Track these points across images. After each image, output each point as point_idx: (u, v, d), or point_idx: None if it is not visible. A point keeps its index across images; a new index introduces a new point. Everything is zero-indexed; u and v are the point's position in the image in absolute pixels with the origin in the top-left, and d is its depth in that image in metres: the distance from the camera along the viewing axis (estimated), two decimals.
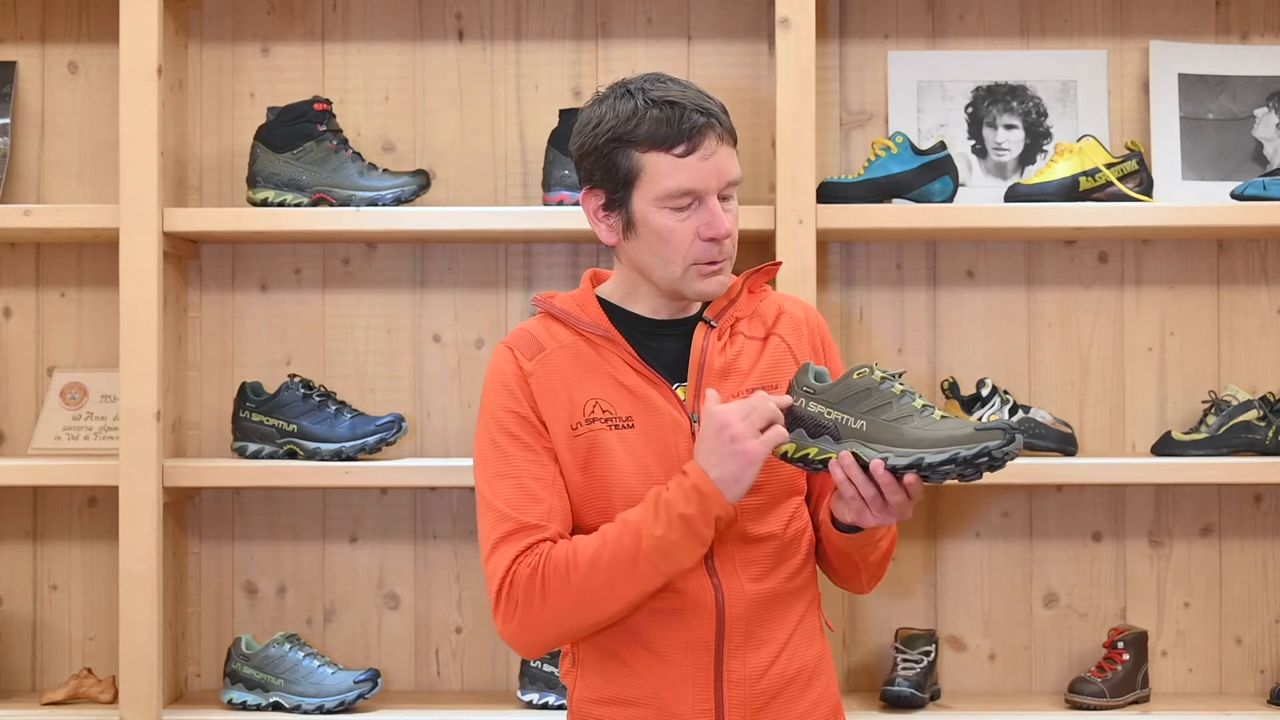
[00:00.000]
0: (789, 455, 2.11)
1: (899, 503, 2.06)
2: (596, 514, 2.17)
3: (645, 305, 2.25)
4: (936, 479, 2.03)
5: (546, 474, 2.17)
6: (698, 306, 2.26)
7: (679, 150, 2.14)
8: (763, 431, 2.06)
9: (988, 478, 3.09)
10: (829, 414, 2.09)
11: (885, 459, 2.04)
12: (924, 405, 2.06)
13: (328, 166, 3.23)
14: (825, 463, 2.08)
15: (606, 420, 2.18)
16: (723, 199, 2.18)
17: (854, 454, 2.05)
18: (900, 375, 2.11)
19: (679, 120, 2.14)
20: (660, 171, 2.15)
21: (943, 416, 2.05)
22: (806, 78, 3.13)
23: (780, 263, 2.38)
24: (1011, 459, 2.01)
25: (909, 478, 2.03)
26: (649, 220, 2.17)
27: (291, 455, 3.22)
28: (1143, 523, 3.40)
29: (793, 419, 2.11)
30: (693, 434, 2.18)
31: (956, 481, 2.04)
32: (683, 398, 2.20)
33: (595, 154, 2.19)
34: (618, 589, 2.09)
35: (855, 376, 2.09)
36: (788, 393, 2.14)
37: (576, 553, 2.10)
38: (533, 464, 2.17)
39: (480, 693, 3.38)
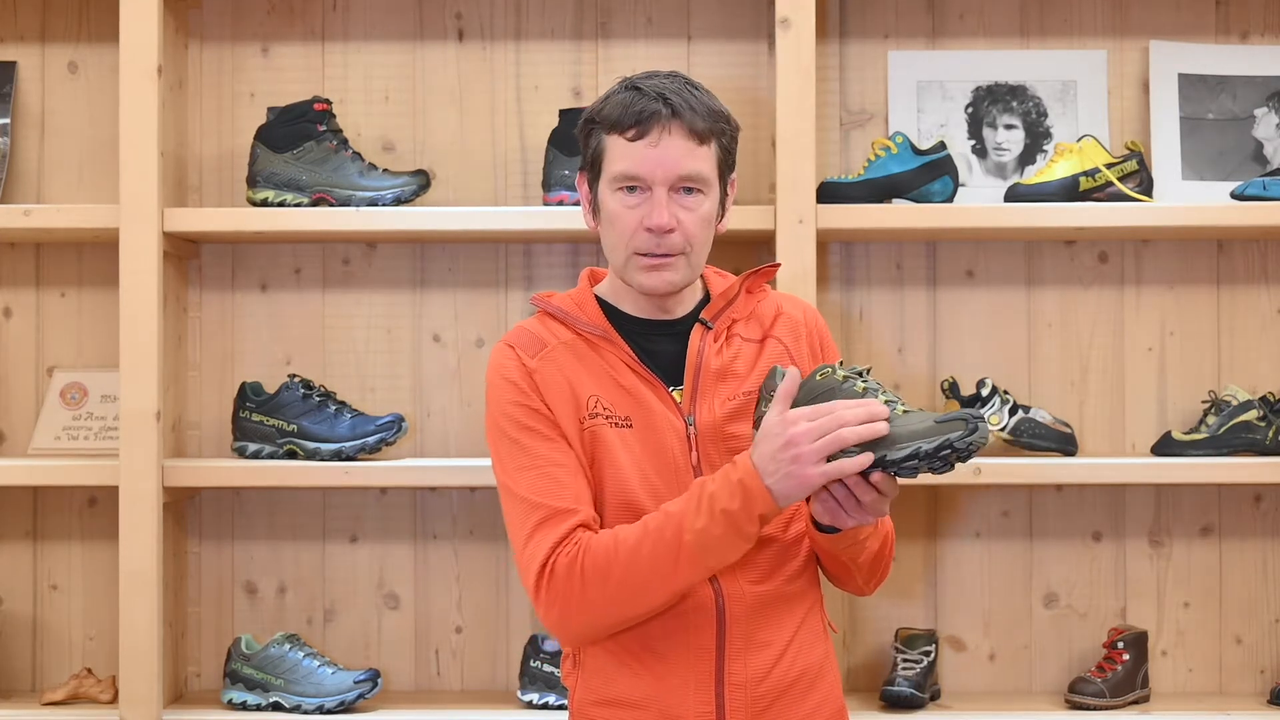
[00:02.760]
0: None
1: (871, 501, 2.04)
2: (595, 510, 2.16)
3: (630, 304, 2.24)
4: (906, 474, 2.01)
5: (567, 459, 2.15)
6: (688, 307, 2.25)
7: (629, 134, 2.15)
8: (829, 459, 2.01)
9: (987, 477, 3.13)
10: None
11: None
12: (888, 400, 2.04)
13: (328, 166, 3.23)
14: None
15: (608, 418, 2.17)
16: (683, 193, 2.16)
17: None
18: (867, 371, 2.09)
19: (632, 104, 2.15)
20: (614, 154, 2.17)
21: (905, 411, 2.03)
22: (806, 78, 3.13)
23: (779, 264, 2.37)
24: (978, 447, 1.98)
25: (875, 475, 2.01)
26: (606, 203, 2.19)
27: (291, 455, 3.22)
28: (1143, 523, 3.40)
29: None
30: (688, 437, 2.17)
31: (931, 475, 2.03)
32: (678, 400, 2.19)
33: (580, 137, 2.23)
34: (659, 582, 2.06)
35: (818, 377, 2.08)
36: (758, 399, 2.13)
37: (618, 544, 2.07)
38: (552, 451, 2.15)
39: (480, 693, 3.38)
